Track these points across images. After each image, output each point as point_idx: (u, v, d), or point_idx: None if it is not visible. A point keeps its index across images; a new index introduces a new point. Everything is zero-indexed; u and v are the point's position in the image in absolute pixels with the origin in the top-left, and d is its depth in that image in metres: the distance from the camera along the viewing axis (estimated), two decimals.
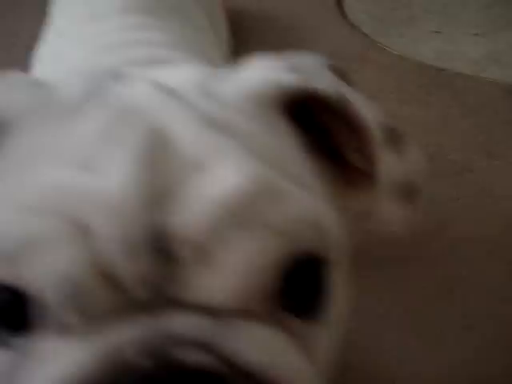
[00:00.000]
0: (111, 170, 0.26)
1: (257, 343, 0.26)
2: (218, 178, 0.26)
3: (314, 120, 0.34)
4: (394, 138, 0.35)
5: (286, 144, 0.31)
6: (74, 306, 0.24)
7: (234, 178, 0.26)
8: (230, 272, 0.25)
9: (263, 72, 0.32)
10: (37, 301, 0.25)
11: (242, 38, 1.15)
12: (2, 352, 0.26)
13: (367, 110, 0.33)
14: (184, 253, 0.25)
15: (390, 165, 0.34)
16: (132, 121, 0.28)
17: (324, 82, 0.33)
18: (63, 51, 0.55)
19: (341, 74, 0.35)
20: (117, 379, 0.24)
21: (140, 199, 0.25)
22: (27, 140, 0.29)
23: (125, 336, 0.24)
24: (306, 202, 0.28)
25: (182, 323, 0.25)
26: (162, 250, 0.25)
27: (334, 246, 0.30)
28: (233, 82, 0.32)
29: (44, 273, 0.24)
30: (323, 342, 0.30)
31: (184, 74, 0.32)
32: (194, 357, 0.24)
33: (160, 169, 0.26)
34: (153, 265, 0.25)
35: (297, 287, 0.28)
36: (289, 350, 0.27)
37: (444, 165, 0.96)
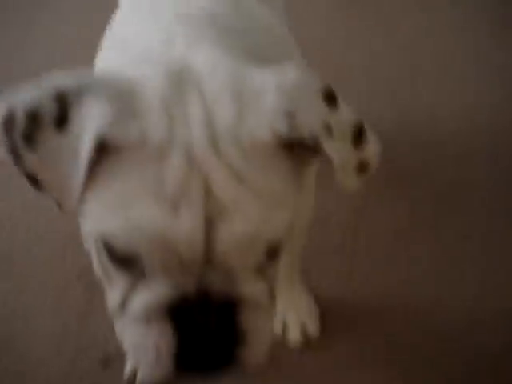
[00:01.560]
0: (185, 219, 0.48)
1: (252, 291, 0.54)
2: (238, 223, 0.49)
3: None
4: (360, 134, 0.53)
5: (277, 172, 0.52)
6: (164, 271, 0.51)
7: (244, 226, 0.49)
8: (239, 259, 0.51)
9: (273, 116, 0.50)
10: (147, 262, 0.51)
11: None
12: (125, 272, 0.53)
13: (340, 133, 0.51)
14: (219, 254, 0.50)
15: (349, 157, 0.53)
16: (195, 174, 0.48)
17: (314, 123, 0.50)
18: (127, 38, 0.65)
19: (330, 96, 0.50)
20: (183, 300, 0.51)
21: (201, 239, 0.49)
22: (129, 162, 0.49)
23: (189, 287, 0.51)
24: (285, 218, 0.52)
25: (215, 281, 0.51)
26: (210, 253, 0.50)
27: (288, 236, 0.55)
28: (253, 127, 0.50)
29: (151, 257, 0.50)
30: (278, 268, 0.58)
31: (225, 105, 0.51)
32: (218, 288, 0.51)
33: (212, 213, 0.48)
34: (204, 260, 0.50)
35: (270, 254, 0.54)
36: (263, 295, 0.56)
37: None
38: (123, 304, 0.55)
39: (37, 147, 0.50)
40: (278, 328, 1.02)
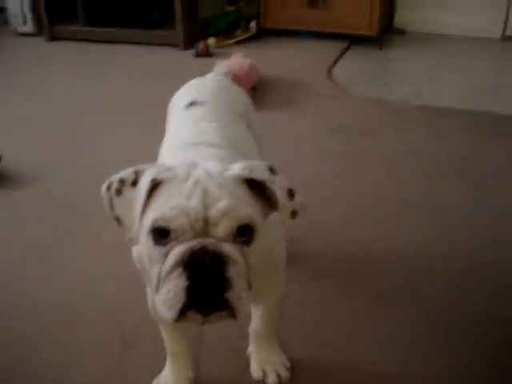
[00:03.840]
0: (194, 200, 0.89)
1: (231, 249, 0.90)
2: (221, 204, 0.89)
3: (260, 186, 0.98)
4: (291, 192, 0.97)
5: (244, 193, 0.94)
6: (183, 235, 0.89)
7: (225, 204, 0.89)
8: (223, 228, 0.89)
9: (240, 170, 0.95)
10: (173, 231, 0.89)
11: (265, 91, 3.09)
12: (162, 247, 0.90)
13: (278, 186, 0.95)
14: (211, 222, 0.89)
15: (286, 204, 0.96)
16: (200, 186, 0.91)
17: (262, 174, 0.96)
18: (167, 152, 1.25)
19: (271, 169, 0.99)
20: (193, 256, 0.87)
21: (202, 209, 0.89)
22: (168, 189, 0.93)
23: (195, 244, 0.88)
24: (249, 211, 0.92)
25: (210, 241, 0.89)
26: (207, 221, 0.89)
27: (258, 225, 0.94)
28: (230, 172, 0.95)
29: (176, 224, 0.89)
30: (251, 258, 0.93)
31: (216, 166, 0.97)
32: (213, 248, 0.88)
33: (207, 200, 0.89)
34: (204, 225, 0.89)
35: (243, 233, 0.91)
36: (239, 256, 0.91)
37: None
38: (159, 275, 0.89)
39: (121, 196, 0.93)
40: (259, 373, 1.43)
